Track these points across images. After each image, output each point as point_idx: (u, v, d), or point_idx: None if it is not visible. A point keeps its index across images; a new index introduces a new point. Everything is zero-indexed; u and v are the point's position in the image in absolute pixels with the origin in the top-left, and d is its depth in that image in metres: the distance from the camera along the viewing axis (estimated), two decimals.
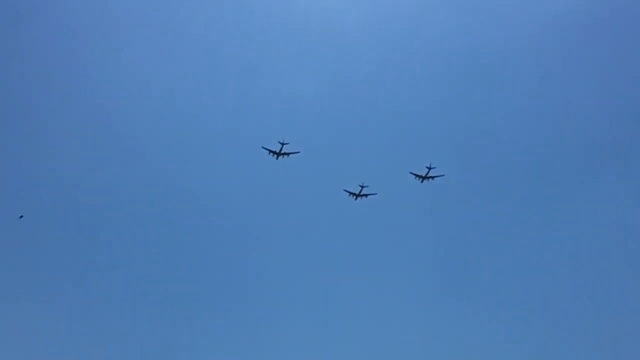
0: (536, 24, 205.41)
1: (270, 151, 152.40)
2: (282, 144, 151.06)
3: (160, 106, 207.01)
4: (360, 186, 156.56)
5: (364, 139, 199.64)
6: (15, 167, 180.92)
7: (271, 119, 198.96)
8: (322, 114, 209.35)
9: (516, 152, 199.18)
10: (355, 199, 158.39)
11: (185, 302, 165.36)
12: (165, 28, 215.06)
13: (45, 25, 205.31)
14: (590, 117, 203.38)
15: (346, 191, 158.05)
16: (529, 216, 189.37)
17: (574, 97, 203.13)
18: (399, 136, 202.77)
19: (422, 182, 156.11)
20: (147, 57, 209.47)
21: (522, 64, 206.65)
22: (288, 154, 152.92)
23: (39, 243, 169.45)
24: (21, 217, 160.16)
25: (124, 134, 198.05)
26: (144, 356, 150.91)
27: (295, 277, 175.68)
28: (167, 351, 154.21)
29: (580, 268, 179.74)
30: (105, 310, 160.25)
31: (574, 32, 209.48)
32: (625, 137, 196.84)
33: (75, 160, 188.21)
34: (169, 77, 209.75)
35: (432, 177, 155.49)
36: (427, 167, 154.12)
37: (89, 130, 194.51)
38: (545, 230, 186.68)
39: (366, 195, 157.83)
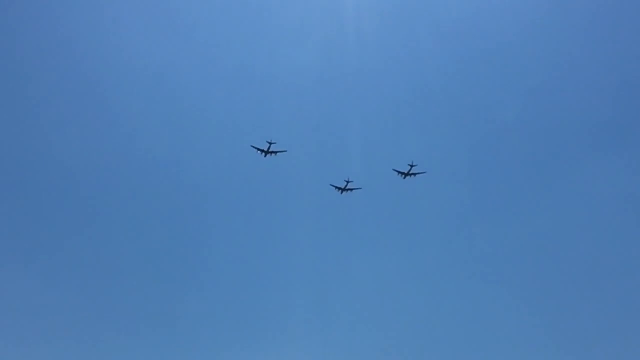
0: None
1: (258, 149, 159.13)
2: (270, 143, 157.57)
3: (154, 80, 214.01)
4: (346, 181, 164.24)
5: (353, 130, 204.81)
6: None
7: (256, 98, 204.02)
8: (314, 93, 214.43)
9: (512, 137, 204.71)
10: (341, 192, 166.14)
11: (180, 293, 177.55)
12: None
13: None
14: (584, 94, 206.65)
15: (332, 185, 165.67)
16: (523, 199, 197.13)
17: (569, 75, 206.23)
18: (388, 129, 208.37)
19: (404, 178, 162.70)
20: (142, 28, 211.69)
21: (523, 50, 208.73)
22: (275, 152, 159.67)
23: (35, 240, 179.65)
24: None
25: (119, 107, 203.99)
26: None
27: (289, 263, 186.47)
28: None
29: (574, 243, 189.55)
30: (101, 308, 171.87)
31: (570, 10, 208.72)
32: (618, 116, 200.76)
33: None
34: (164, 49, 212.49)
35: (414, 174, 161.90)
36: (409, 165, 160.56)
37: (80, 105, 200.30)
38: (541, 207, 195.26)
39: (351, 189, 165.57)
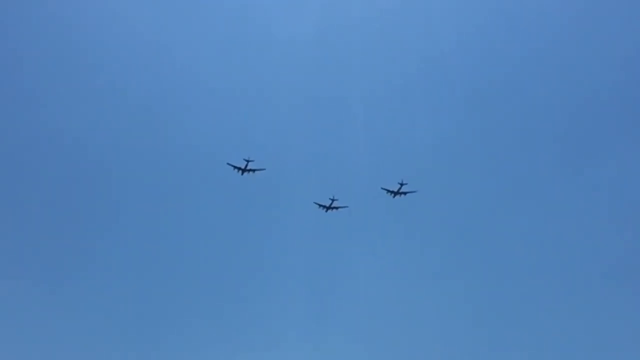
0: None
1: (235, 167, 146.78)
2: (247, 161, 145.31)
3: (151, 50, 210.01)
4: (331, 199, 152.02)
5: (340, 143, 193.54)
6: None
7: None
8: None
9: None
10: (326, 211, 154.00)
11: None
12: None
13: None
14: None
15: (316, 204, 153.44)
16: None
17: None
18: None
19: (394, 197, 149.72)
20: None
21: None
22: (254, 170, 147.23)
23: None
24: None
25: (115, 79, 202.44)
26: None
27: (279, 276, 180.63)
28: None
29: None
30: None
31: None
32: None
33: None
34: (161, 20, 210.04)
35: (404, 193, 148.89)
36: (399, 183, 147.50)
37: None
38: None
39: (337, 207, 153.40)
